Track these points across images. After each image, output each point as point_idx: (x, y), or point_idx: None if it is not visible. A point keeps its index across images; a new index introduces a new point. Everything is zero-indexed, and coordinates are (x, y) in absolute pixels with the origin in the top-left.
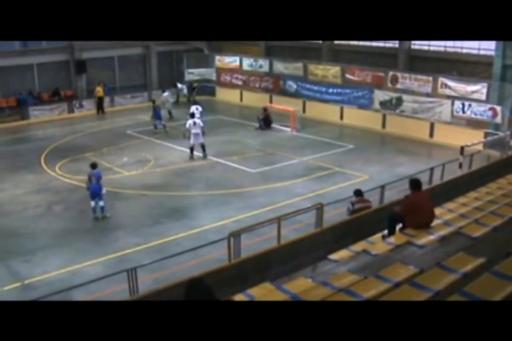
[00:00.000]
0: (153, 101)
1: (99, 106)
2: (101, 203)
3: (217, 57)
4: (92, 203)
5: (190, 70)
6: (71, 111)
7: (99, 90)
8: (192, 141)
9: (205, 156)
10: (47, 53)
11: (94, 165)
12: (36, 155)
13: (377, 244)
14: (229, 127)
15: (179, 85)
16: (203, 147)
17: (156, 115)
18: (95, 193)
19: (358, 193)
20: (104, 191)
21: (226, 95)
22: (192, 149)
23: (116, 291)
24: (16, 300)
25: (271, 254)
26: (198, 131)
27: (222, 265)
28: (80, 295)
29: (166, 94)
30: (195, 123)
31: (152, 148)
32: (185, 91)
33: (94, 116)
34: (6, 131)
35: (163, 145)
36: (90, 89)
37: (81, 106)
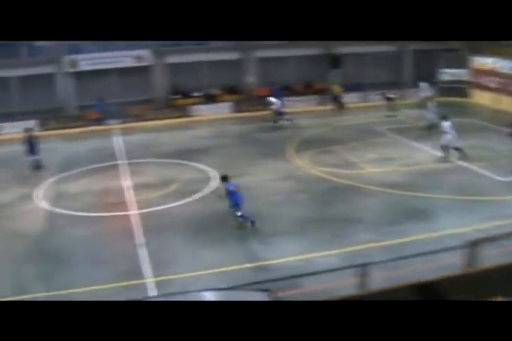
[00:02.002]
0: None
1: (338, 102)
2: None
3: (473, 58)
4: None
5: (444, 70)
6: (322, 104)
7: (337, 89)
8: (448, 141)
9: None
10: (304, 47)
11: (225, 178)
12: (286, 144)
13: None
14: (480, 131)
15: (422, 84)
16: (458, 149)
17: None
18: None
19: None
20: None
21: (480, 98)
22: (447, 149)
23: (345, 285)
24: (251, 280)
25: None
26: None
27: (456, 272)
28: (310, 284)
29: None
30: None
31: (399, 147)
32: (428, 91)
33: (343, 111)
34: (257, 119)
35: (411, 145)
36: (343, 83)
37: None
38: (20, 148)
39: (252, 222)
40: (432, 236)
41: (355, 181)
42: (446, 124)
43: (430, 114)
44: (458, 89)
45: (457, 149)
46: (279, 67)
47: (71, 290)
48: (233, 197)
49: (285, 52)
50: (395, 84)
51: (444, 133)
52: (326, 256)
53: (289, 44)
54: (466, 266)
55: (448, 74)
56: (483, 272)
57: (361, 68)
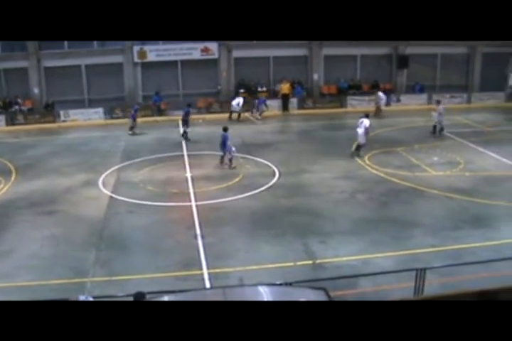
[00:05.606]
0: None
1: (284, 104)
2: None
3: None
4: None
5: None
6: (387, 104)
7: (284, 87)
8: None
9: None
10: (371, 46)
11: (226, 129)
12: (349, 143)
13: None
14: None
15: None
16: None
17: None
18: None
19: None
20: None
21: None
22: None
23: (401, 288)
24: (307, 277)
25: None
26: None
27: None
28: (365, 285)
29: None
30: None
31: (464, 151)
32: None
33: (413, 112)
34: (324, 117)
35: (476, 150)
36: (409, 84)
37: (398, 100)
38: (89, 135)
39: (222, 157)
40: (491, 244)
41: (416, 184)
42: None
43: (439, 118)
44: None
45: None
46: (344, 65)
47: (129, 276)
48: (225, 143)
49: (352, 51)
50: (464, 88)
51: None
52: (382, 257)
53: (356, 43)
54: None
55: None
56: None
57: (429, 69)
